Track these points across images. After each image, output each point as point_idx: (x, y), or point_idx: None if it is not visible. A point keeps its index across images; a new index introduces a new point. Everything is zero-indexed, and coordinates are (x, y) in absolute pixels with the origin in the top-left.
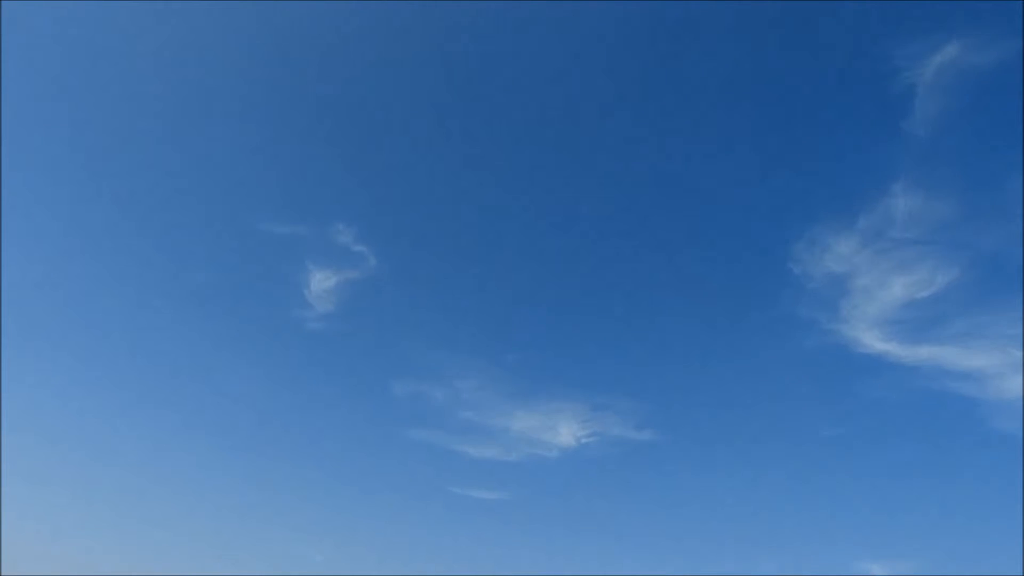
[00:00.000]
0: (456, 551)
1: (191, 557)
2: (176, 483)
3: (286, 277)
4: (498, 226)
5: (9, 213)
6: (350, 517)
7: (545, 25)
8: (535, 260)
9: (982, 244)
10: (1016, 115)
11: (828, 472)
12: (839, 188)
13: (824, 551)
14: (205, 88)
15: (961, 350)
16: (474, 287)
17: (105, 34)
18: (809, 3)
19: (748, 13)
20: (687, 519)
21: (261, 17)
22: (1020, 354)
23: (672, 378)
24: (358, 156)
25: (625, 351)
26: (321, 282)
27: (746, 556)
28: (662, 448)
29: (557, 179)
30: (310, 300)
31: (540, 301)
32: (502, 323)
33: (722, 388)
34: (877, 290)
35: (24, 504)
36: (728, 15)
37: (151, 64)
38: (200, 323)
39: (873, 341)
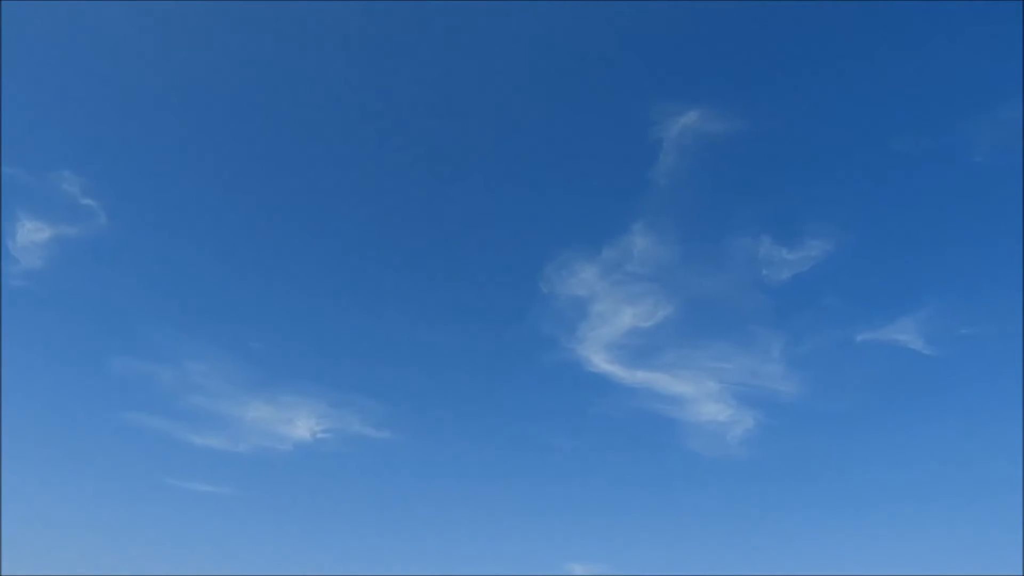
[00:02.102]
0: (172, 548)
1: None
2: None
3: None
4: (256, 212)
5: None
6: (43, 508)
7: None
8: (291, 250)
9: (695, 287)
10: (734, 179)
11: (559, 481)
12: (591, 220)
13: (539, 552)
14: None
15: (670, 377)
16: (220, 266)
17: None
18: (586, 57)
19: (520, 59)
20: (420, 519)
21: None
22: (715, 385)
23: (417, 382)
24: (96, 101)
25: (372, 352)
26: (31, 233)
27: (466, 558)
28: (401, 448)
29: (325, 178)
30: (14, 253)
31: (292, 292)
32: (249, 308)
33: (465, 395)
34: (610, 316)
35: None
36: (498, 60)
37: None
38: None
39: (601, 362)
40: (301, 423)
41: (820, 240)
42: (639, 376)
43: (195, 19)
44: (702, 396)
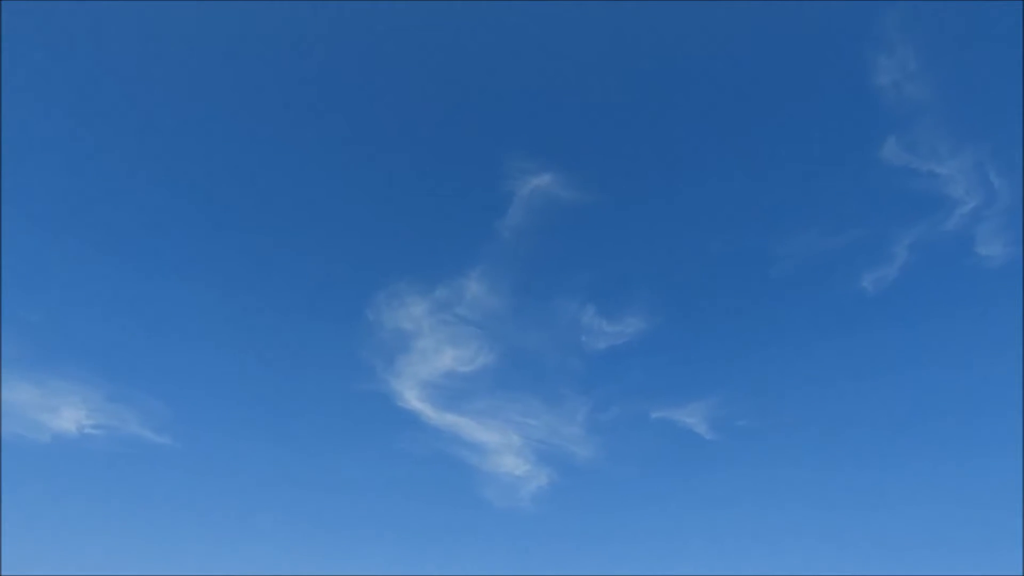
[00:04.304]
0: None
1: None
2: None
3: None
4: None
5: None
6: None
7: None
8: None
9: (517, 341)
10: (573, 245)
11: (344, 509)
12: (430, 257)
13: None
14: None
15: (477, 424)
16: None
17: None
18: (456, 98)
19: (392, 86)
20: (182, 533)
21: None
22: (518, 438)
23: (210, 387)
24: None
25: (165, 345)
26: None
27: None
28: (178, 457)
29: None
30: None
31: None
32: (33, 275)
33: (262, 410)
34: (431, 355)
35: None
36: (370, 84)
37: None
38: None
39: (414, 399)
40: (68, 413)
41: (637, 319)
42: (448, 418)
43: None
44: (504, 448)
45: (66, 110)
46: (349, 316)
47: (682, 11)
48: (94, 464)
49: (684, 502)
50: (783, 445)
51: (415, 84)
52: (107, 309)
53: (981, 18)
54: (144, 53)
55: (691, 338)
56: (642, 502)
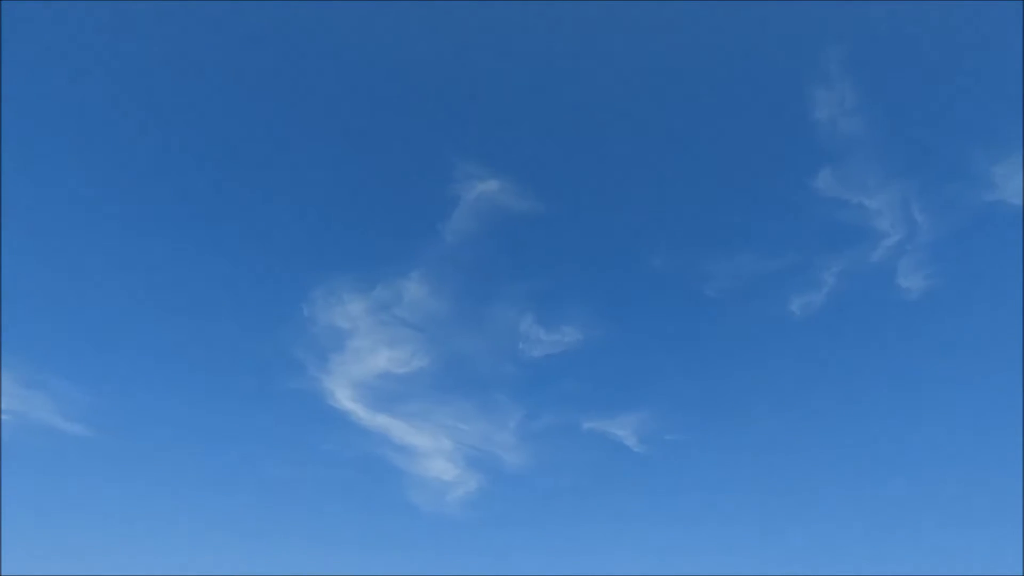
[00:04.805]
0: None
1: None
2: None
3: None
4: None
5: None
6: None
7: None
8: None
9: (455, 345)
10: (516, 253)
11: (266, 507)
12: (371, 255)
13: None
14: None
15: (408, 427)
16: None
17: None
18: (409, 98)
19: (347, 81)
20: (92, 527)
21: None
22: (449, 443)
23: (132, 374)
24: None
25: (87, 329)
26: None
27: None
28: (95, 447)
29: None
30: None
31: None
32: None
33: (185, 400)
34: (366, 354)
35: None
36: (324, 77)
37: None
38: None
39: (345, 398)
40: None
41: (575, 329)
42: (379, 420)
43: None
44: (434, 452)
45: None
46: (284, 311)
47: (635, 34)
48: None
49: (611, 513)
50: (710, 461)
51: (370, 81)
52: (32, 299)
53: (918, 59)
54: None
55: (626, 351)
56: (570, 512)
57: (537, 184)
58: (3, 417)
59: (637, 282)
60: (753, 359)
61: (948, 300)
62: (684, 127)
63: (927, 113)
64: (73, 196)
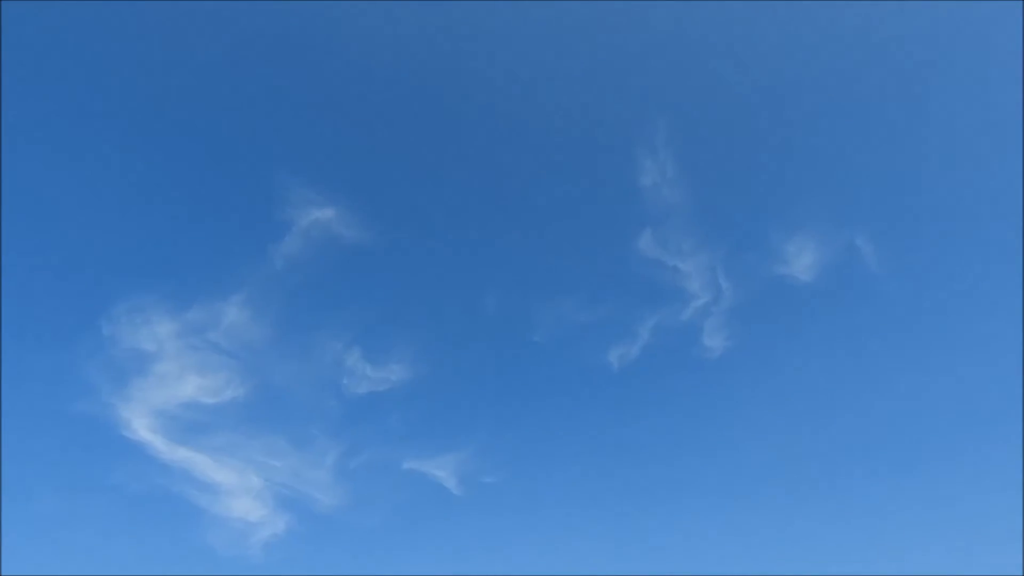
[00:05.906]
0: None
1: None
2: None
3: None
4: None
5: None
6: None
7: None
8: None
9: (273, 376)
10: (345, 283)
11: (31, 556)
12: (187, 273)
13: None
14: None
15: (213, 462)
16: None
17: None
18: (249, 124)
19: (197, 111)
20: None
21: None
22: (258, 480)
23: None
24: None
25: None
26: None
27: None
28: None
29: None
30: None
31: None
32: None
33: None
34: (173, 381)
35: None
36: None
37: None
38: None
39: (142, 428)
40: None
41: (401, 366)
42: (180, 453)
43: None
44: (240, 490)
45: None
46: (78, 326)
47: (483, 82)
48: None
49: (426, 555)
50: (525, 505)
51: (214, 90)
52: None
53: (728, 135)
54: None
55: (451, 391)
56: (383, 553)
57: (374, 216)
58: None
59: (467, 323)
60: (572, 406)
61: (741, 362)
62: (524, 179)
63: (732, 188)
64: None
